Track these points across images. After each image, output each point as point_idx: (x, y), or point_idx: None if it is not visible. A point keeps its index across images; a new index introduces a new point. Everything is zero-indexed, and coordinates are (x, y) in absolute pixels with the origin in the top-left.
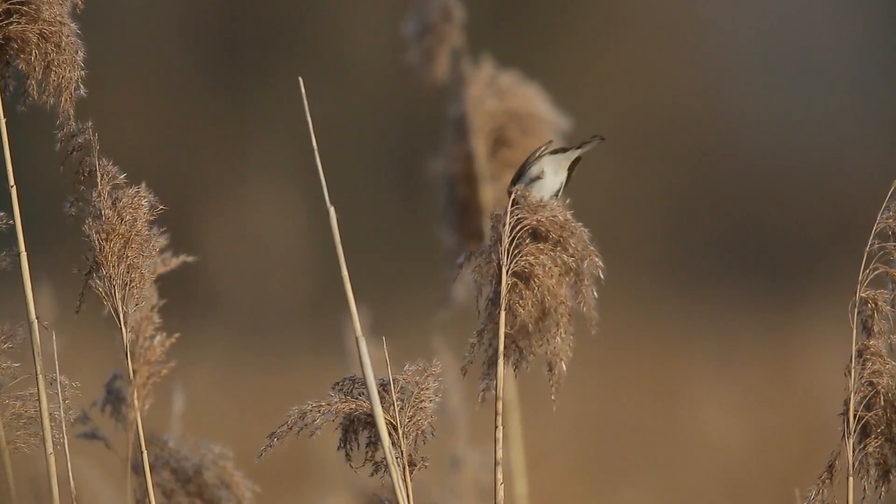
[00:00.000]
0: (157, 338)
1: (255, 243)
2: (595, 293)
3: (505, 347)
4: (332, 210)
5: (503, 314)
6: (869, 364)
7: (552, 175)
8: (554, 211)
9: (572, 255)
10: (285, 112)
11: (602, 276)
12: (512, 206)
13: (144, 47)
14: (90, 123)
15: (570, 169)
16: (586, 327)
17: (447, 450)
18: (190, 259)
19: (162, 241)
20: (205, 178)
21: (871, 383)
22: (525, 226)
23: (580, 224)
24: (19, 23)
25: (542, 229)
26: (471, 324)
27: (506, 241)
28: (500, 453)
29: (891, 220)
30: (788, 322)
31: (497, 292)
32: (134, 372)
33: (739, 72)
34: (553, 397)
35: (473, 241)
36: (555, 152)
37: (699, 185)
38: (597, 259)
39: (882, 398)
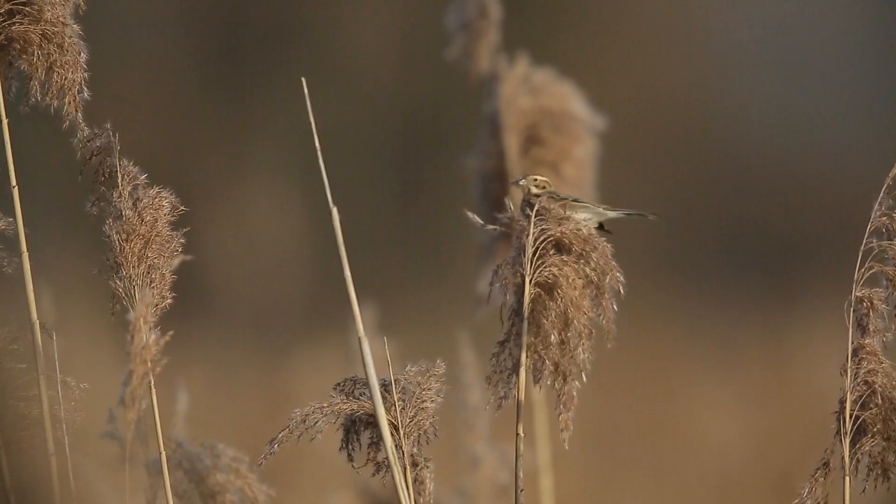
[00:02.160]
0: (153, 336)
1: (256, 243)
2: (615, 307)
3: (527, 356)
4: (334, 210)
5: (525, 323)
6: (864, 363)
7: (588, 218)
8: (578, 224)
9: (594, 269)
10: (286, 111)
11: (623, 292)
12: (536, 217)
13: (145, 47)
14: (108, 125)
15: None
16: (602, 338)
17: (466, 448)
18: (188, 258)
19: (182, 241)
20: (205, 178)
21: (866, 382)
22: (549, 237)
23: (603, 239)
24: (21, 23)
25: (566, 241)
26: (495, 324)
27: (529, 251)
28: (521, 460)
29: (885, 219)
30: (787, 322)
31: (520, 302)
32: (131, 372)
33: (739, 72)
34: (562, 406)
35: (504, 237)
36: (587, 206)
37: (698, 186)
38: (618, 274)
39: (879, 396)
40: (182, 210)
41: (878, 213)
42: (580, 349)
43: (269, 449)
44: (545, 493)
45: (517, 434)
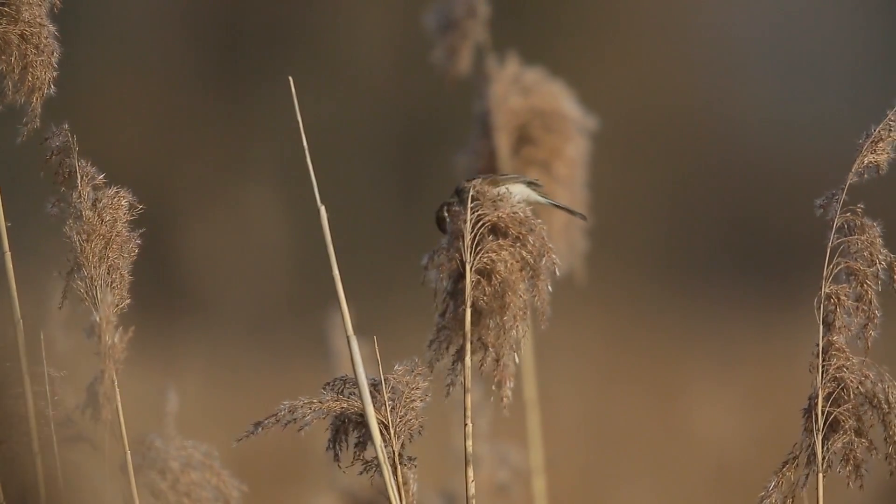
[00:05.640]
0: (117, 335)
1: (252, 242)
2: (549, 288)
3: (470, 344)
4: (322, 209)
5: (468, 311)
6: (834, 359)
7: (517, 195)
8: (514, 207)
9: (530, 252)
10: (283, 111)
11: (558, 273)
12: (472, 202)
13: (145, 47)
14: (66, 125)
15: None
16: (581, 332)
17: (461, 448)
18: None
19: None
20: (202, 177)
21: (835, 378)
22: (486, 222)
23: (539, 221)
24: (0, 24)
25: (502, 225)
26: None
27: (468, 237)
28: (469, 448)
29: (849, 215)
30: (788, 322)
31: (458, 288)
32: (102, 372)
33: (740, 73)
34: (494, 387)
35: None
36: (531, 184)
37: (700, 186)
38: (554, 256)
39: (851, 393)
40: (140, 209)
41: (843, 211)
42: (514, 330)
43: (251, 429)
44: (538, 494)
45: (465, 423)
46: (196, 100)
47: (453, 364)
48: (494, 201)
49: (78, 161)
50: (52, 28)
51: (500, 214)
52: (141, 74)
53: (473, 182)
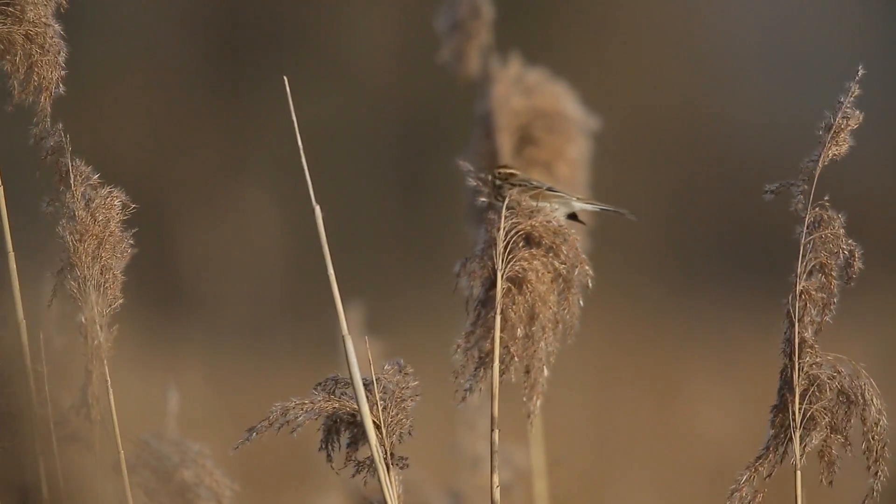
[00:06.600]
0: (103, 335)
1: (253, 242)
2: (581, 302)
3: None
4: (317, 209)
5: (498, 318)
6: (808, 357)
7: (557, 208)
8: (548, 217)
9: (563, 262)
10: (285, 112)
11: (591, 285)
12: (507, 210)
13: (144, 46)
14: (60, 125)
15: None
16: (581, 332)
17: (466, 448)
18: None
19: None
20: (202, 178)
21: (809, 376)
22: (519, 231)
23: (573, 231)
24: (5, 24)
25: (536, 234)
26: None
27: (500, 245)
28: (497, 455)
29: (818, 210)
30: None
31: (489, 295)
32: (90, 372)
33: (739, 73)
34: (525, 399)
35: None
36: (561, 196)
37: (699, 186)
38: (587, 268)
39: (828, 389)
40: (133, 208)
41: (814, 207)
42: (543, 342)
43: (245, 436)
44: (539, 496)
45: (492, 429)
46: (196, 99)
47: (475, 370)
48: (531, 211)
49: (72, 161)
50: (57, 27)
51: (534, 223)
52: (140, 74)
53: (511, 192)
